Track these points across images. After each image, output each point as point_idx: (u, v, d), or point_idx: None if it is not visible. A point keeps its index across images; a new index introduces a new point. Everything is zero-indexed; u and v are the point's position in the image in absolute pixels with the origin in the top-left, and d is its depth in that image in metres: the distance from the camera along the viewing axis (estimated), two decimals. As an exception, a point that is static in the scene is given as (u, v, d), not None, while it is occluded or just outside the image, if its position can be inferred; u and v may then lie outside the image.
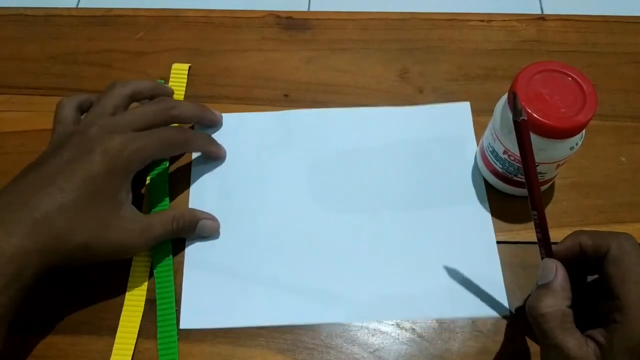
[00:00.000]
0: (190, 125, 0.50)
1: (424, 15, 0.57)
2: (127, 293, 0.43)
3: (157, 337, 0.41)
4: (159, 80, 0.52)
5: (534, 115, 0.38)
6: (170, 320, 0.42)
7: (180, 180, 0.48)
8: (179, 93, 0.52)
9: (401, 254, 0.44)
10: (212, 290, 0.43)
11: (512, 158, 0.43)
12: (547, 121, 0.38)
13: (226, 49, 0.55)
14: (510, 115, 0.40)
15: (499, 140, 0.43)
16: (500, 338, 0.42)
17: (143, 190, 0.47)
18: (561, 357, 0.33)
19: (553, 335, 0.33)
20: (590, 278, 0.38)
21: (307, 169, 0.48)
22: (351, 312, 0.42)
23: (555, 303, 0.34)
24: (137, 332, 0.41)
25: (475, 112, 0.51)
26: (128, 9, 0.57)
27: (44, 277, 0.38)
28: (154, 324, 0.42)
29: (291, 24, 0.56)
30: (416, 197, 0.47)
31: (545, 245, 0.37)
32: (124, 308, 0.42)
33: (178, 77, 0.53)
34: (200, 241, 0.45)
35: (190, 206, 0.46)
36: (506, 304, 0.42)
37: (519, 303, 0.43)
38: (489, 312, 0.42)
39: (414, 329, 0.42)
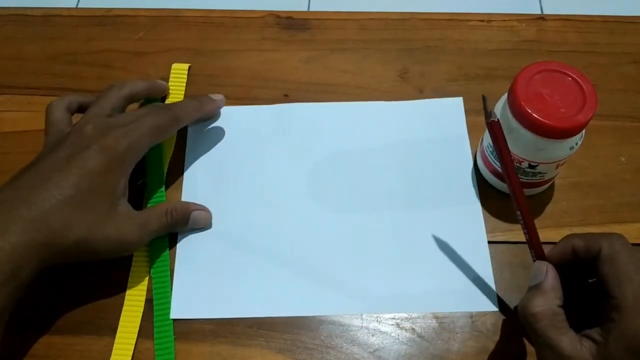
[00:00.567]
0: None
1: (423, 15, 0.57)
2: (127, 293, 0.43)
3: (154, 336, 0.41)
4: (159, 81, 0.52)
5: (534, 115, 0.38)
6: (166, 320, 0.42)
7: (174, 172, 0.48)
8: (179, 93, 0.52)
9: (393, 248, 0.45)
10: (203, 281, 0.43)
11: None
12: (547, 121, 0.38)
13: (226, 49, 0.55)
14: (510, 116, 0.40)
15: (499, 140, 0.43)
16: (500, 338, 0.42)
17: (140, 183, 0.47)
18: (555, 356, 0.33)
19: (546, 335, 0.34)
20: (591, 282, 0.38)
21: (300, 162, 0.48)
22: (342, 305, 0.43)
23: (546, 303, 0.34)
24: (137, 332, 0.41)
25: (475, 112, 0.51)
26: (128, 9, 0.57)
27: (43, 276, 0.38)
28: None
29: (291, 24, 0.56)
30: (407, 189, 0.47)
31: (534, 244, 0.38)
32: (124, 308, 0.42)
33: (178, 77, 0.53)
34: (192, 232, 0.45)
35: (183, 198, 0.47)
36: (495, 297, 0.43)
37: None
38: (482, 306, 0.42)
39: (414, 329, 0.42)
